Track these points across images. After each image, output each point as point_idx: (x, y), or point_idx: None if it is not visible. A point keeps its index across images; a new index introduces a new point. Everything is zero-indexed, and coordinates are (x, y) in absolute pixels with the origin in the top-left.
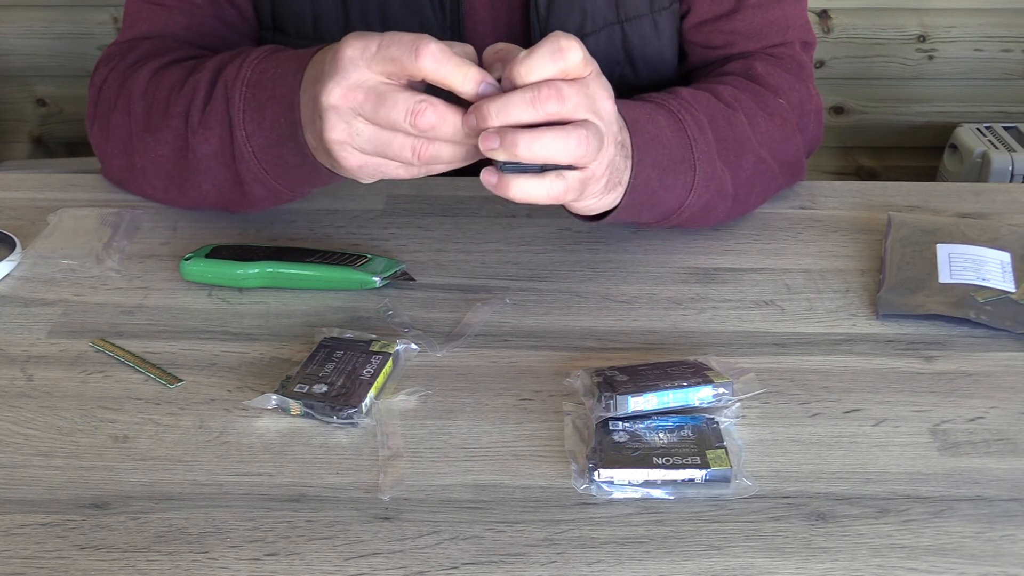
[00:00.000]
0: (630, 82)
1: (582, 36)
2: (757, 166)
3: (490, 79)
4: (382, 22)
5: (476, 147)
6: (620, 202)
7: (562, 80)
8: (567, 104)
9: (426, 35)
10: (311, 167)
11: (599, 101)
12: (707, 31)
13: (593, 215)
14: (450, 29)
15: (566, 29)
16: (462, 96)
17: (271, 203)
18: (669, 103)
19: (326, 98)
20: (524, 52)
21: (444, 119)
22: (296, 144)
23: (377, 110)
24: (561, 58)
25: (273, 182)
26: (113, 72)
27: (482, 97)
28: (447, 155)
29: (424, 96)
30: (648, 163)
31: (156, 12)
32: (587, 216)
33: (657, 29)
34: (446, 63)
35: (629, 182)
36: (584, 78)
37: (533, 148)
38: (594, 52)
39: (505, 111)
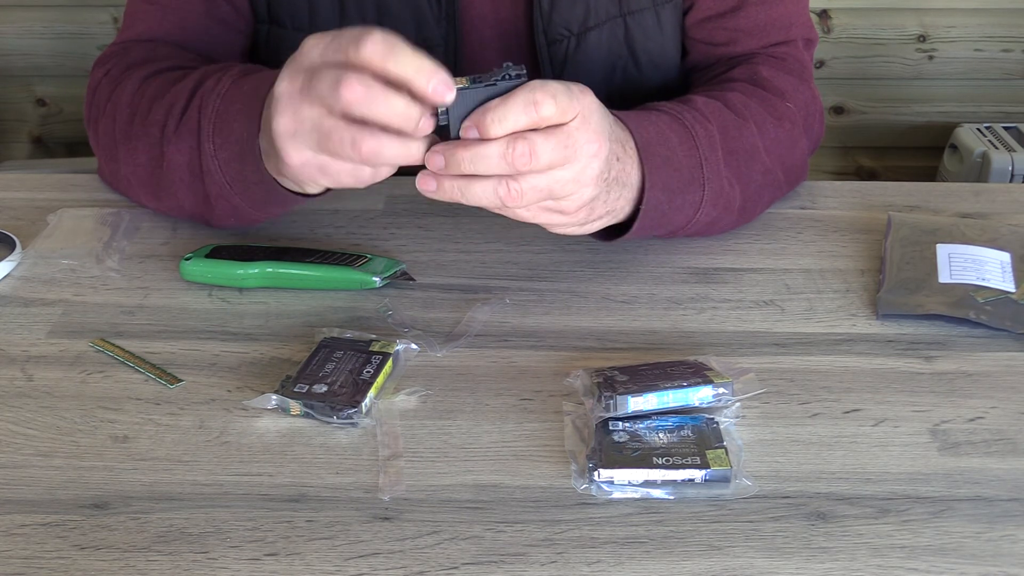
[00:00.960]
0: (632, 77)
1: (585, 30)
2: (765, 177)
3: (442, 75)
4: (378, 12)
5: (419, 147)
6: (632, 227)
7: (537, 134)
8: (541, 160)
9: (379, 28)
10: (268, 185)
11: (581, 147)
12: (710, 28)
13: (604, 235)
14: (446, 21)
15: (569, 23)
16: (416, 92)
17: (236, 222)
18: (683, 117)
19: (277, 86)
20: (497, 100)
21: (371, 92)
22: (254, 159)
23: (309, 86)
24: (534, 111)
25: (236, 198)
26: (107, 77)
27: (436, 95)
28: (389, 152)
29: (353, 71)
30: (659, 188)
31: (152, 12)
32: (597, 236)
33: (660, 23)
34: (391, 53)
35: (640, 208)
36: (565, 125)
37: (466, 195)
38: (597, 46)
39: (480, 162)
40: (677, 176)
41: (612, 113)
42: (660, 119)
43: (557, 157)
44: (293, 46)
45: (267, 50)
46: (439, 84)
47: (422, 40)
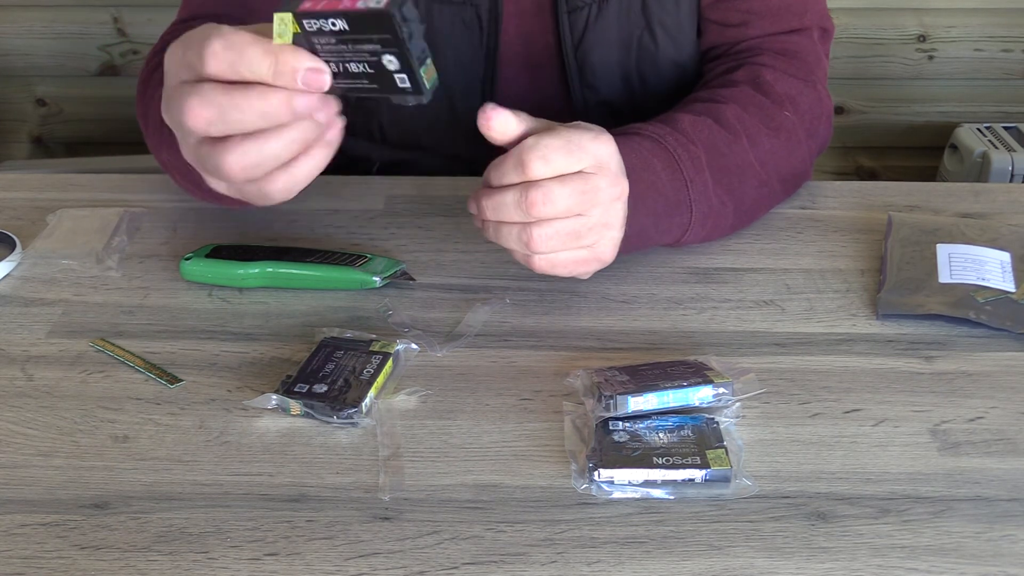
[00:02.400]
0: (649, 49)
1: None
2: (759, 190)
3: (309, 68)
4: None
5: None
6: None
7: (553, 180)
8: (558, 206)
9: (212, 33)
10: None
11: (602, 191)
12: (724, 8)
13: None
14: (488, 9)
15: None
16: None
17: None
18: (666, 140)
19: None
20: (528, 144)
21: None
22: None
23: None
24: (522, 173)
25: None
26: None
27: (306, 87)
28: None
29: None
30: (643, 212)
31: None
32: None
33: None
34: (237, 57)
35: (624, 231)
36: (582, 171)
37: (499, 238)
38: (615, 15)
39: (500, 210)
40: (663, 200)
41: None
42: (642, 144)
43: (575, 202)
44: None
45: None
46: (307, 74)
47: (471, 2)
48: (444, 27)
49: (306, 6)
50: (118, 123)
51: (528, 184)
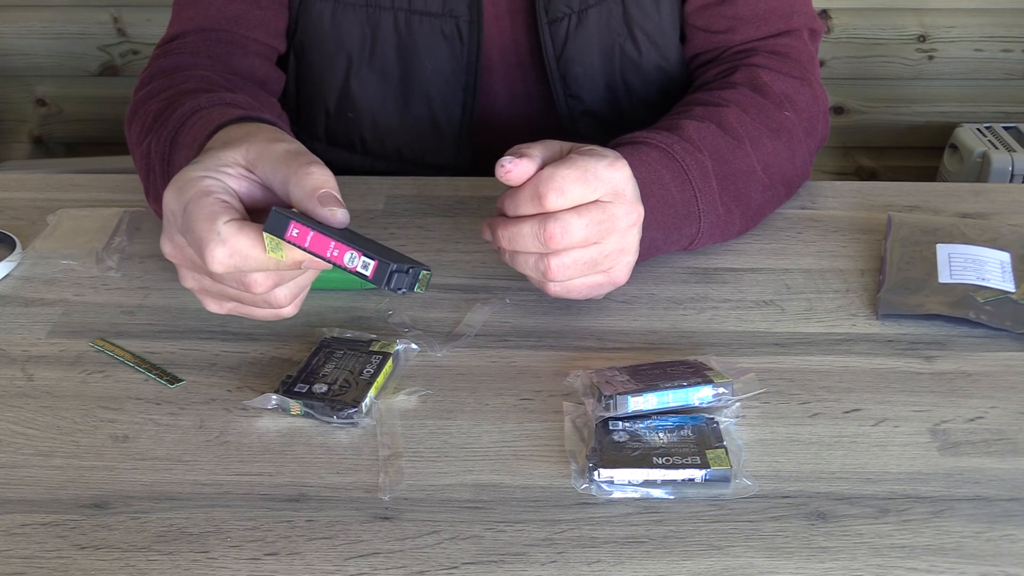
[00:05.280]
0: (631, 56)
1: (585, 8)
2: (764, 194)
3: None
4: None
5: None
6: None
7: (570, 212)
8: (575, 237)
9: (212, 236)
10: None
11: (619, 219)
12: (709, 15)
13: None
14: (468, 21)
15: (569, 1)
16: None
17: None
18: (674, 150)
19: (162, 246)
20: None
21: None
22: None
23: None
24: (540, 205)
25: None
26: (146, 89)
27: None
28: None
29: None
30: (654, 226)
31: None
32: None
33: (657, 3)
34: (241, 263)
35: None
36: (599, 200)
37: (515, 265)
38: (596, 24)
39: (517, 240)
40: (672, 212)
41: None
42: (651, 155)
43: (592, 232)
44: (319, 11)
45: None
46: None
47: (448, 10)
48: (424, 39)
49: (293, 235)
50: (118, 123)
51: (546, 216)
